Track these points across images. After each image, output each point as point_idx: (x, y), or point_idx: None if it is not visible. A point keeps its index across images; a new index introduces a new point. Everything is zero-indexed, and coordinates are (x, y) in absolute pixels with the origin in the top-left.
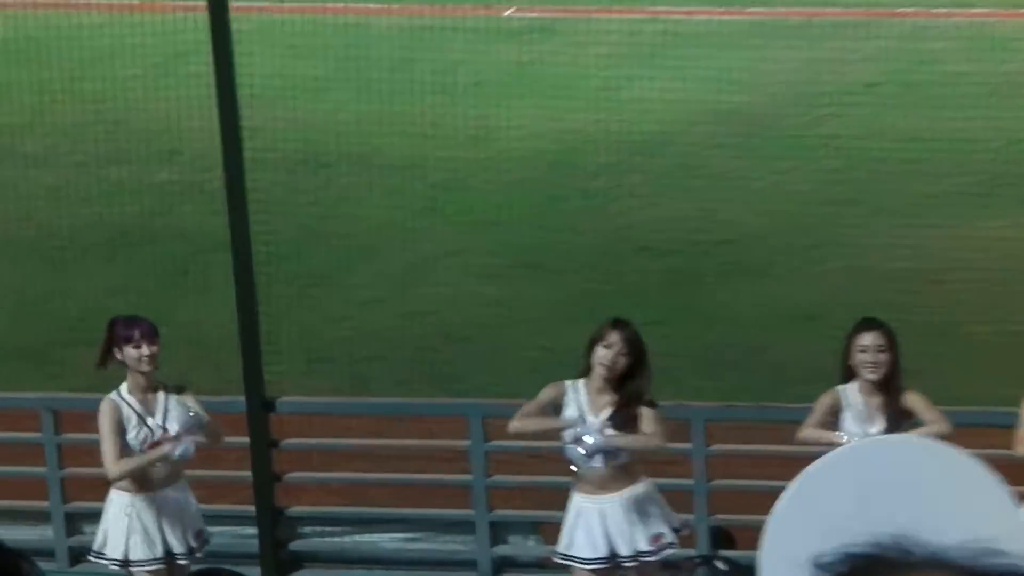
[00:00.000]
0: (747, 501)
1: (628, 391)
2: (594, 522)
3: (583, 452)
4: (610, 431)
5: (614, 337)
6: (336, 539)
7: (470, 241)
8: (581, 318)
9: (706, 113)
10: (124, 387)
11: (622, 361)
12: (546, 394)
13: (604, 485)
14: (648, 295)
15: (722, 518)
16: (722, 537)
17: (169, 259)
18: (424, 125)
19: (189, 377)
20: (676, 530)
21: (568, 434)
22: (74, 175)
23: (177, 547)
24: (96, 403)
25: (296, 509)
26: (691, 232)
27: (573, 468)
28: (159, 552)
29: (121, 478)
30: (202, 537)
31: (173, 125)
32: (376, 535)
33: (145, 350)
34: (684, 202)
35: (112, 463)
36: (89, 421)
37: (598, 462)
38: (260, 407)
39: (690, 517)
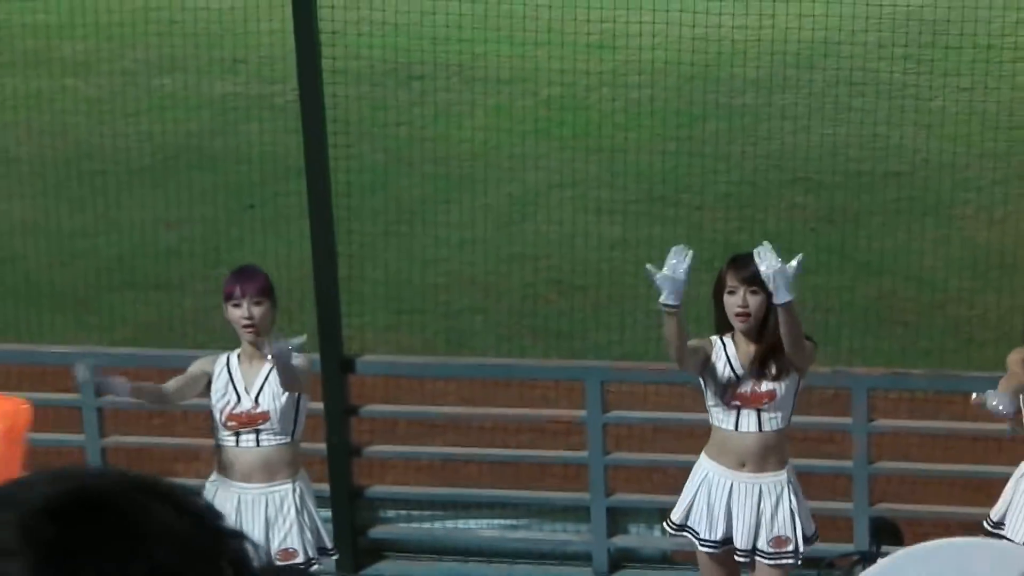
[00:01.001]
0: (917, 488)
1: (769, 335)
2: (718, 498)
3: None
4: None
5: (735, 279)
6: (424, 525)
7: (588, 170)
8: (718, 262)
9: (874, 19)
10: (238, 350)
11: (754, 304)
12: (699, 342)
13: (746, 458)
14: (800, 237)
15: (887, 508)
16: (886, 530)
17: (231, 187)
18: (535, 30)
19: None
20: (808, 539)
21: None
22: (119, 85)
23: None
24: (142, 359)
25: (378, 489)
26: (854, 161)
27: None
28: None
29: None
30: (290, 556)
31: (237, 27)
32: (472, 520)
33: (244, 311)
34: (846, 125)
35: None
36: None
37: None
38: (337, 366)
39: (848, 506)
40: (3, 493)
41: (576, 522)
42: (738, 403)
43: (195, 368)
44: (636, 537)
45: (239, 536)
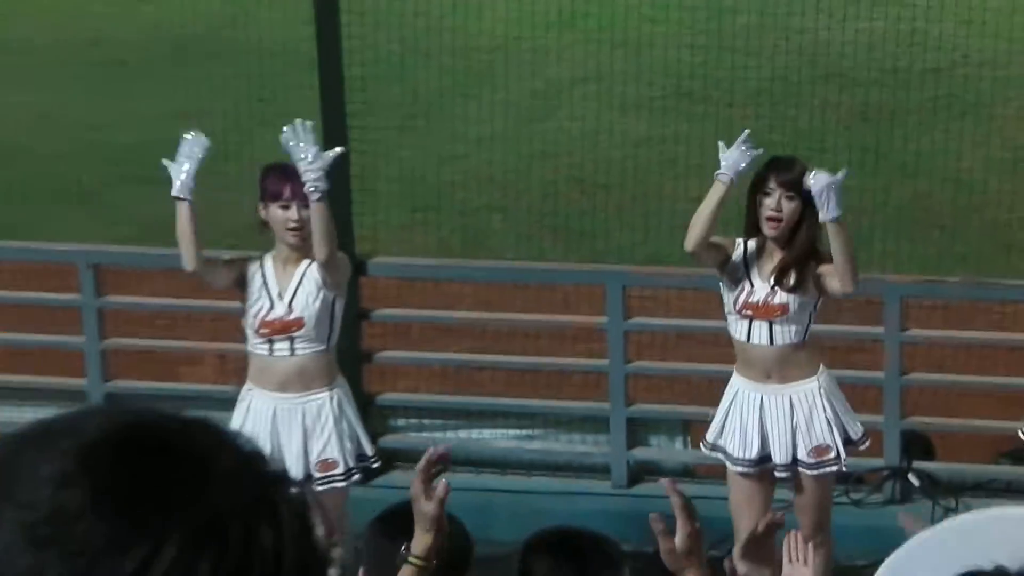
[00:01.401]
0: (951, 401)
1: (798, 245)
2: (750, 414)
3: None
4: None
5: (774, 181)
6: (437, 434)
7: (613, 64)
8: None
9: None
10: (268, 256)
11: (787, 209)
12: (722, 240)
13: (770, 369)
14: (834, 136)
15: (919, 421)
16: (918, 444)
17: (243, 79)
18: None
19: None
20: (852, 442)
21: None
22: None
23: (294, 470)
24: (147, 259)
25: (389, 396)
26: (891, 57)
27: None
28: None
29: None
30: (330, 467)
31: None
32: (486, 430)
33: (294, 214)
34: (883, 19)
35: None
36: (138, 282)
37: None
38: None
39: (878, 419)
40: (62, 423)
41: (595, 433)
42: (750, 312)
43: (230, 258)
44: (657, 450)
45: (289, 481)
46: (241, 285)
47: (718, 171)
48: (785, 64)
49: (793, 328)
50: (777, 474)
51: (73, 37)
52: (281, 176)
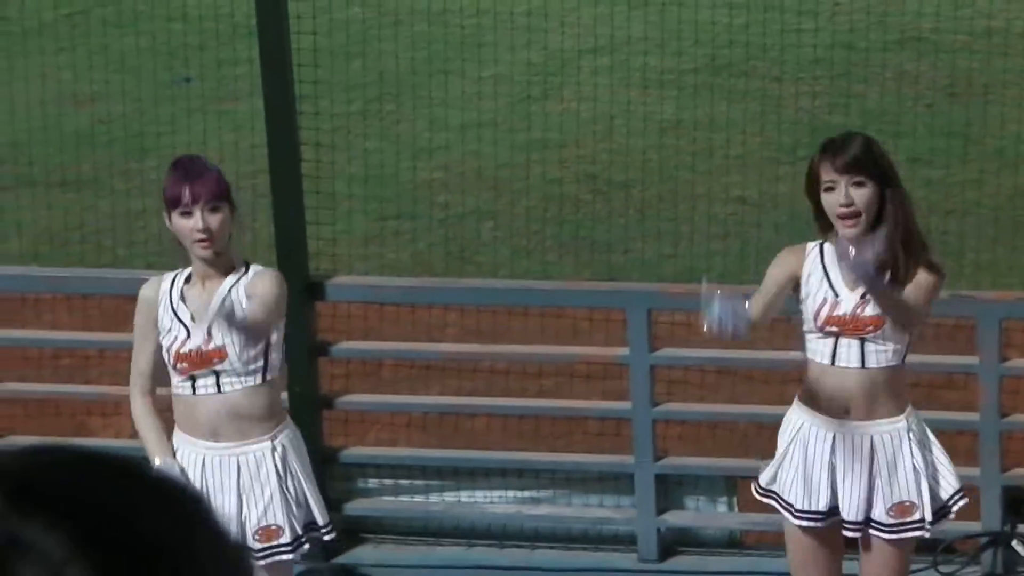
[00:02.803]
0: None
1: (889, 233)
2: (817, 455)
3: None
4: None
5: (832, 171)
6: (417, 498)
7: (631, 30)
8: (803, 151)
9: None
10: (187, 271)
11: (861, 198)
12: (777, 272)
13: (852, 400)
14: (912, 116)
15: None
16: (1022, 504)
17: (161, 52)
18: None
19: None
20: (946, 506)
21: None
22: None
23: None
24: (45, 281)
25: (356, 451)
26: (983, 16)
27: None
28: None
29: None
30: (273, 535)
31: None
32: (479, 492)
33: (198, 221)
34: None
35: (135, 390)
36: (35, 311)
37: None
38: (300, 292)
39: (974, 472)
40: None
41: (616, 494)
42: (835, 328)
43: (140, 332)
44: (694, 514)
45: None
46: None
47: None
48: (850, 27)
49: (890, 347)
50: (846, 532)
51: None
52: (178, 177)
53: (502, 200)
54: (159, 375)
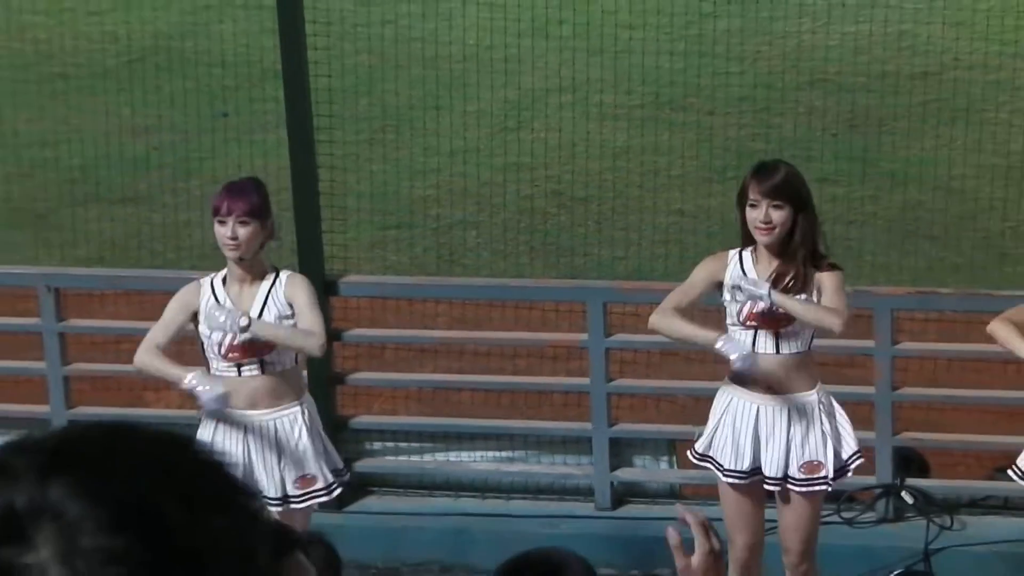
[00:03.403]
0: (945, 416)
1: (793, 251)
2: (744, 424)
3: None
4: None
5: (756, 191)
6: (413, 457)
7: (590, 72)
8: (731, 172)
9: None
10: (223, 272)
11: (777, 218)
12: (702, 274)
13: (771, 381)
14: (820, 143)
15: (911, 437)
16: (911, 462)
17: (204, 92)
18: None
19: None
20: (846, 465)
21: (729, 295)
22: None
23: (272, 489)
24: (108, 280)
25: (363, 419)
26: (879, 61)
27: (732, 357)
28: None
29: (139, 369)
30: (310, 483)
31: None
32: (464, 453)
33: (228, 230)
34: (869, 22)
35: (144, 347)
36: (100, 305)
37: (747, 361)
38: (319, 288)
39: (870, 435)
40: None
41: (577, 454)
42: (755, 323)
43: (172, 309)
44: (641, 470)
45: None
46: (195, 318)
47: (720, 344)
48: (768, 70)
49: (800, 338)
50: (766, 486)
51: (13, 51)
52: (223, 192)
53: (484, 212)
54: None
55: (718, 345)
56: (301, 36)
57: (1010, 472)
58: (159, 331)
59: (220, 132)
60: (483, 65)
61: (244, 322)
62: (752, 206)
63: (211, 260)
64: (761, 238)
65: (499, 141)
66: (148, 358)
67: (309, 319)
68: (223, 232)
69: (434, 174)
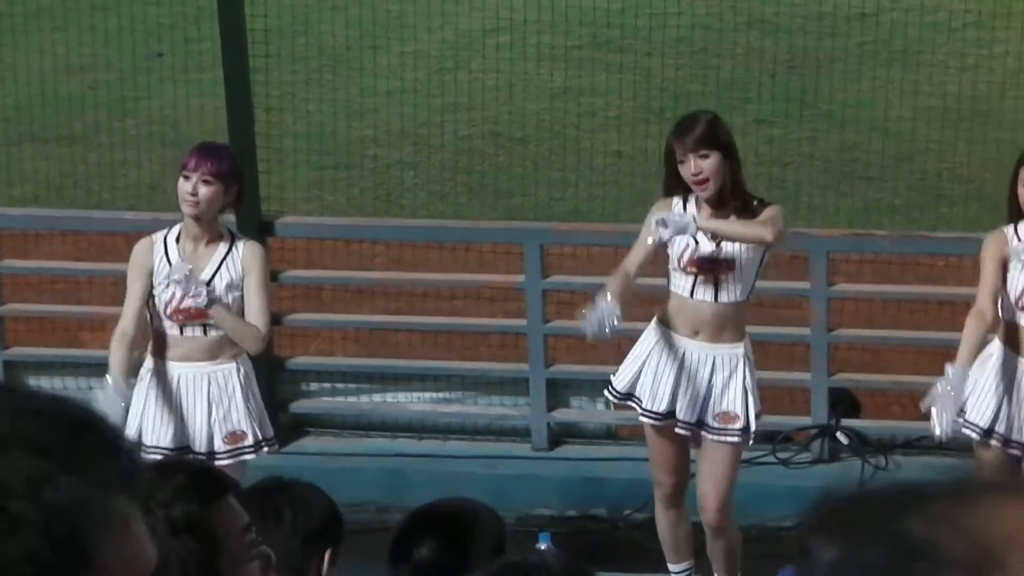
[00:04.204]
0: (879, 358)
1: (724, 199)
2: (668, 365)
3: (666, 228)
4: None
5: (681, 147)
6: (350, 398)
7: (527, 13)
8: (669, 112)
9: None
10: (175, 228)
11: (707, 166)
12: (653, 218)
13: (702, 326)
14: (758, 84)
15: (846, 378)
16: (845, 402)
17: (139, 31)
18: None
19: (162, 184)
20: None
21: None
22: None
23: (198, 442)
24: (44, 220)
25: (300, 360)
26: (816, 2)
27: (670, 234)
28: (170, 441)
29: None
30: (239, 439)
31: None
32: (401, 394)
33: (190, 186)
34: None
35: (116, 335)
36: (36, 244)
37: (690, 227)
38: (255, 229)
39: (805, 376)
40: None
41: (514, 395)
42: (694, 269)
43: (134, 277)
44: (578, 412)
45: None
46: (150, 276)
47: (658, 222)
48: (706, 11)
49: (740, 286)
50: (677, 430)
51: None
52: (194, 150)
53: (421, 153)
54: (141, 323)
55: (661, 232)
56: None
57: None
58: (129, 314)
59: (156, 72)
60: (420, 5)
61: (203, 302)
62: (682, 163)
63: (146, 200)
64: (700, 192)
65: (436, 81)
66: (114, 351)
67: (256, 304)
68: (185, 187)
69: (372, 115)
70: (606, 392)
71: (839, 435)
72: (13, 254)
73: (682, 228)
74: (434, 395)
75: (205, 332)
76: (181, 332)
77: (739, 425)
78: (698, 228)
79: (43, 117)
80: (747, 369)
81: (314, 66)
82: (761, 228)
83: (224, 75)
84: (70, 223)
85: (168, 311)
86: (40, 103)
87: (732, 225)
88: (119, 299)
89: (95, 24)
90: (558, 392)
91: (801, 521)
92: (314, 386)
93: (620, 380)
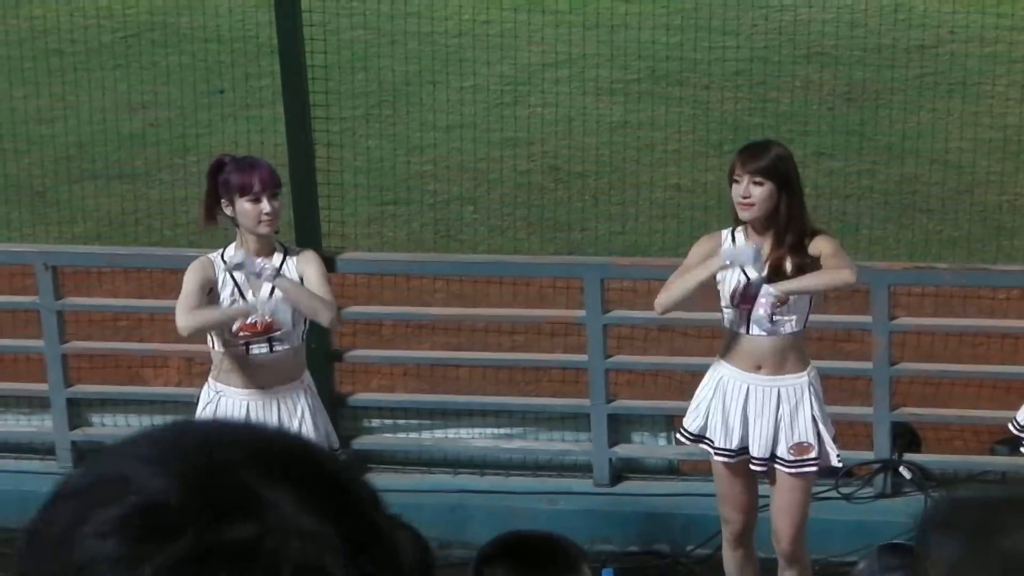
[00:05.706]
0: (943, 391)
1: (780, 231)
2: (734, 403)
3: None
4: (771, 289)
5: (740, 169)
6: (412, 434)
7: (586, 47)
8: (728, 146)
9: None
10: (231, 248)
11: (758, 194)
12: (698, 252)
13: (762, 360)
14: (816, 117)
15: (909, 412)
16: (907, 436)
17: (200, 68)
18: None
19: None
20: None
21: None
22: None
23: None
24: (106, 258)
25: (362, 396)
26: (875, 34)
27: (737, 264)
28: None
29: (191, 332)
30: None
31: None
32: (463, 429)
33: (266, 206)
34: None
35: (183, 313)
36: (98, 282)
37: (764, 325)
38: None
39: (867, 411)
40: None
41: (575, 430)
42: (748, 306)
43: (192, 281)
44: (640, 447)
45: None
46: (210, 294)
47: (725, 259)
48: (764, 44)
49: (794, 318)
50: (752, 467)
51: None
52: (245, 171)
53: (480, 188)
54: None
55: (725, 259)
56: (297, 11)
57: (1010, 426)
58: (190, 297)
59: (216, 108)
60: (479, 40)
61: (271, 274)
62: (736, 182)
63: (207, 237)
64: (742, 213)
65: (495, 116)
66: (195, 317)
67: (322, 292)
68: (258, 209)
69: (431, 149)
70: (678, 435)
71: (902, 469)
72: (76, 291)
73: (747, 259)
74: (495, 431)
75: (271, 349)
76: (247, 351)
77: (813, 455)
78: (766, 268)
79: (104, 154)
80: (813, 397)
81: (373, 101)
82: (838, 275)
83: (284, 111)
84: (131, 260)
85: (234, 327)
86: (102, 140)
87: (808, 280)
88: (181, 336)
89: (156, 61)
90: (620, 427)
91: (923, 516)
92: (375, 422)
93: (690, 422)
